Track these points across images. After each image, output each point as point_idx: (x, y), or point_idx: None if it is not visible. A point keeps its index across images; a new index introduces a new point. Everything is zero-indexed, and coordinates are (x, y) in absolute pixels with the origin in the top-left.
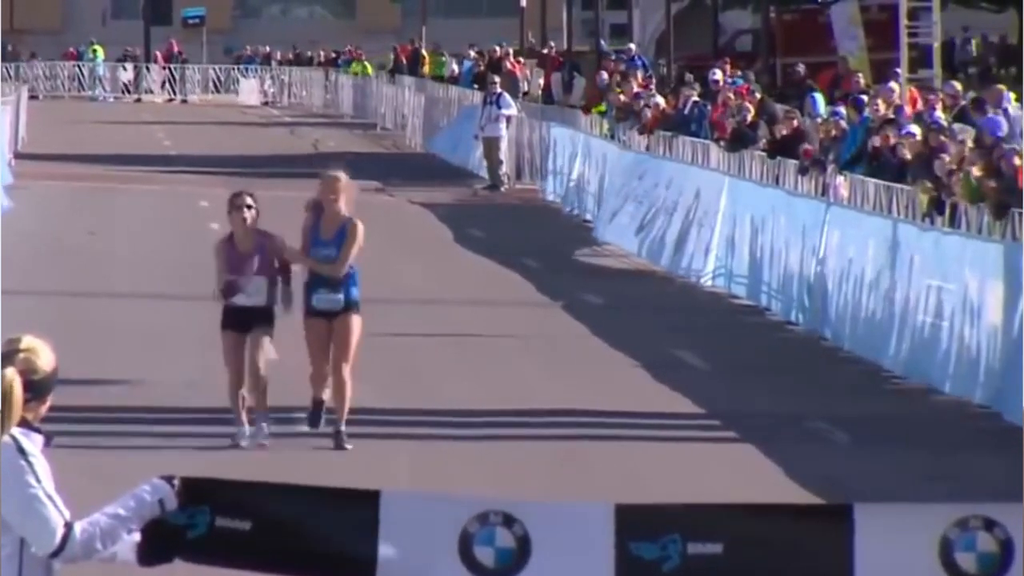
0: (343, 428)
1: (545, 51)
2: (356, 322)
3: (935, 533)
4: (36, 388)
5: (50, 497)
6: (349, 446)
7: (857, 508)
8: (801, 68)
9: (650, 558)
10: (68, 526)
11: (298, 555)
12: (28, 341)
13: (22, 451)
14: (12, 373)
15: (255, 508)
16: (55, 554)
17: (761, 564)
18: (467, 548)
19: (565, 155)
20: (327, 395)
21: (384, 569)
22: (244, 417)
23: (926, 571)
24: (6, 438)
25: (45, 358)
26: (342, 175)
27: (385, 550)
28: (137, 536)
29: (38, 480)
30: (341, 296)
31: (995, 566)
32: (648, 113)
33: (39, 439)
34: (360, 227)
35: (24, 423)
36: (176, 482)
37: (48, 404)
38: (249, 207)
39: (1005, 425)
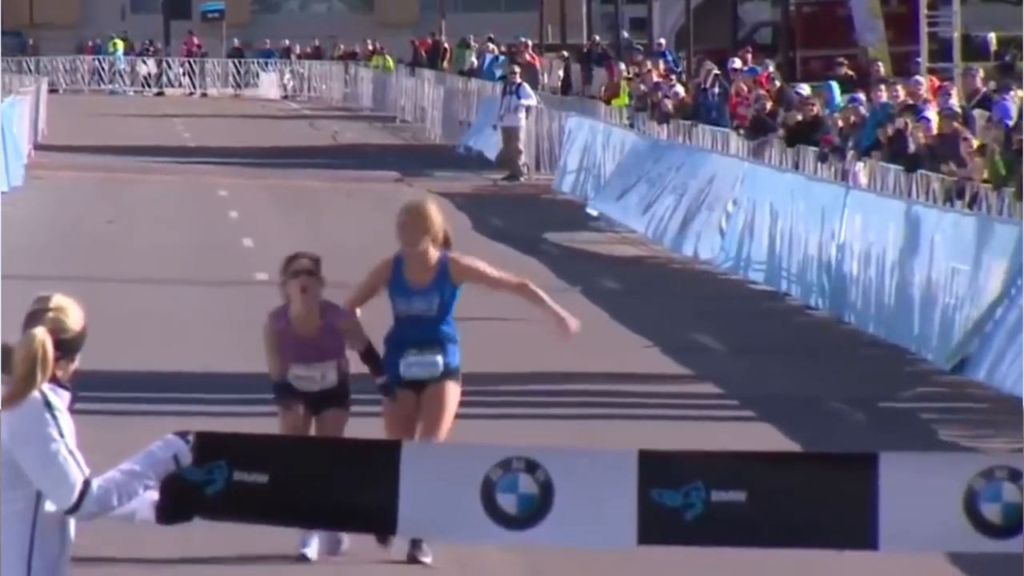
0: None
1: (587, 44)
2: (452, 392)
3: (960, 483)
4: (65, 347)
5: (71, 452)
6: (426, 559)
7: (882, 457)
8: (862, 59)
9: (673, 505)
10: (87, 483)
11: (318, 507)
12: (58, 300)
13: (48, 405)
14: (43, 333)
15: (272, 461)
16: (72, 510)
17: (785, 512)
18: (489, 495)
19: (582, 145)
20: None
21: (405, 519)
22: None
23: (950, 521)
24: (35, 393)
25: (74, 317)
26: (428, 206)
27: (406, 499)
28: (155, 495)
29: (61, 434)
30: (439, 359)
31: (1019, 517)
32: (668, 103)
33: (66, 396)
34: (463, 258)
35: (53, 379)
36: (191, 437)
37: (77, 363)
38: (311, 274)
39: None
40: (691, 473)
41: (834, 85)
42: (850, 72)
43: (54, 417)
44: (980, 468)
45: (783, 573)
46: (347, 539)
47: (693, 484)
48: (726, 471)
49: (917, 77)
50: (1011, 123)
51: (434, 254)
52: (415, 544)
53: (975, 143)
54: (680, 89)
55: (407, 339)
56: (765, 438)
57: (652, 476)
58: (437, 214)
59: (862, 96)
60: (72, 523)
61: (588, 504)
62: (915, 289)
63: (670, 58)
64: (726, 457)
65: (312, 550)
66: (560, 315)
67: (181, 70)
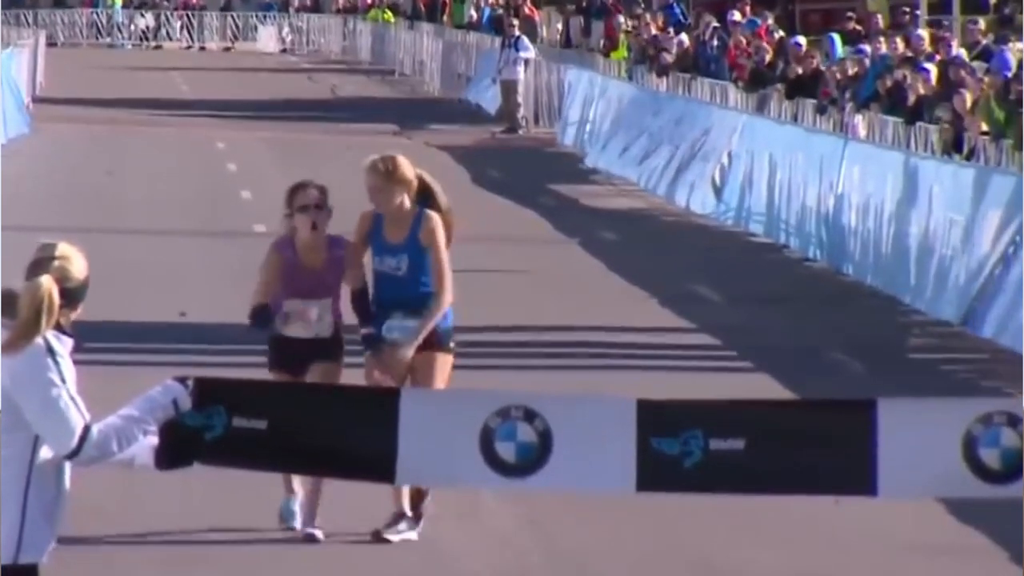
0: (407, 510)
1: None
2: (441, 362)
3: (959, 428)
4: (69, 296)
5: (72, 398)
6: (393, 537)
7: (881, 403)
8: (861, 12)
9: (672, 453)
10: (87, 428)
11: (316, 453)
12: (63, 249)
13: (51, 350)
14: (48, 281)
15: (271, 407)
16: (72, 455)
17: (783, 459)
18: (488, 443)
19: (582, 98)
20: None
21: (404, 466)
22: (296, 486)
23: (949, 466)
24: (38, 339)
25: (78, 266)
26: (396, 158)
27: (405, 447)
28: (155, 440)
29: (62, 380)
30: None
31: (1018, 462)
32: (666, 56)
33: (69, 342)
34: (436, 221)
35: (56, 327)
36: (190, 383)
37: (79, 311)
38: (320, 207)
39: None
40: (689, 421)
41: (835, 37)
42: (857, 26)
43: (56, 363)
44: (978, 413)
45: (781, 520)
46: (321, 534)
47: (691, 432)
48: (724, 419)
49: (919, 31)
50: (1010, 74)
51: (411, 210)
52: (395, 520)
53: (968, 98)
54: (685, 38)
55: (384, 299)
56: (763, 388)
57: (650, 424)
58: (407, 164)
59: (867, 48)
60: (68, 469)
61: (587, 452)
62: (913, 240)
63: (678, 11)
64: (724, 405)
65: (298, 521)
66: (408, 343)
67: (179, 24)
